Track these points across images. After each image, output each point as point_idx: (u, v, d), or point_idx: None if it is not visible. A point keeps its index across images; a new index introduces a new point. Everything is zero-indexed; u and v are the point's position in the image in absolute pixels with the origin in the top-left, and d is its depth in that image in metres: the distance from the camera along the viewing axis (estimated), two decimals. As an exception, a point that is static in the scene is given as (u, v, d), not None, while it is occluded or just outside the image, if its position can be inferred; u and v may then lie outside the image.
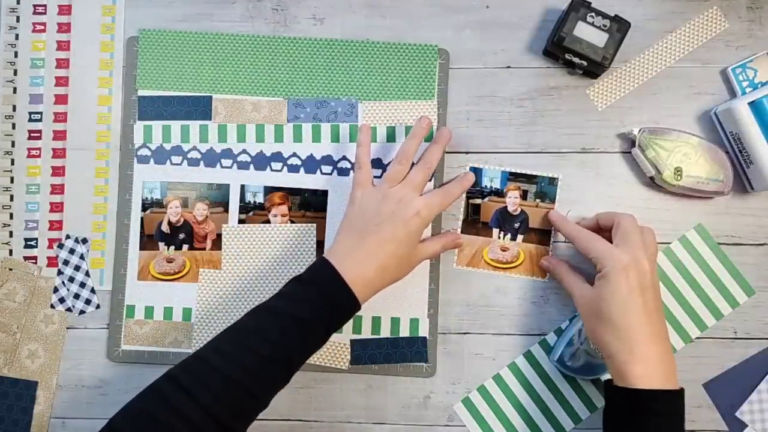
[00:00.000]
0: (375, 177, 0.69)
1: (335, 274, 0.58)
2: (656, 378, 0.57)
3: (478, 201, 0.70)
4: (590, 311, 0.61)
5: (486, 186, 0.69)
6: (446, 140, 0.66)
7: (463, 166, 0.70)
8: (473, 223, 0.70)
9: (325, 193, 0.70)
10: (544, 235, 0.69)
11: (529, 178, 0.70)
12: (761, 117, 0.65)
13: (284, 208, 0.70)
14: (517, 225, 0.69)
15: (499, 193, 0.70)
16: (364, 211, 0.62)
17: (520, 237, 0.70)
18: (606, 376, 0.68)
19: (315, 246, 0.69)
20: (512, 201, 0.69)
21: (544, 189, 0.69)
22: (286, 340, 0.56)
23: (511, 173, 0.70)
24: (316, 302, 0.57)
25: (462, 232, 0.70)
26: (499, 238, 0.70)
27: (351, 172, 0.70)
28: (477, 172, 0.70)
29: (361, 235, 0.60)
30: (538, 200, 0.69)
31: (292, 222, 0.70)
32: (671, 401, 0.57)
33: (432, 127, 0.69)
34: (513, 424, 0.69)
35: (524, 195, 0.70)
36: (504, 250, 0.69)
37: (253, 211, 0.70)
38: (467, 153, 0.70)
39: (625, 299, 0.58)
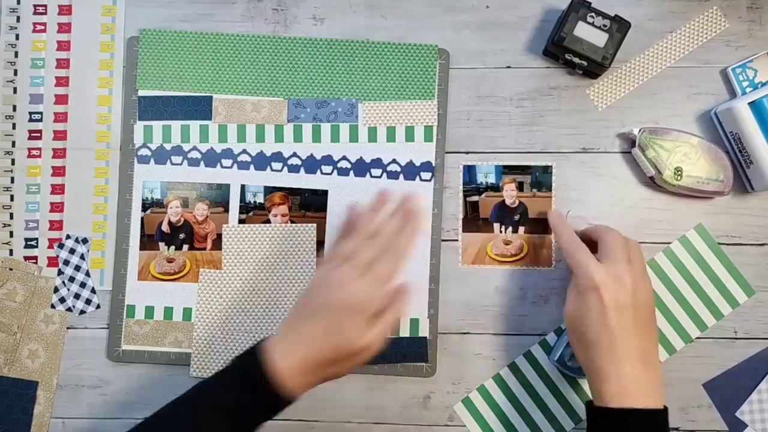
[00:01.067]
0: (374, 177, 0.70)
1: (254, 358, 0.53)
2: (631, 397, 0.55)
3: (475, 198, 0.70)
4: (570, 327, 0.60)
5: (481, 182, 0.70)
6: (414, 227, 0.59)
7: (460, 168, 0.70)
8: (473, 220, 0.70)
9: (325, 193, 0.70)
10: (545, 224, 0.69)
11: (523, 170, 0.70)
12: (761, 117, 0.65)
13: (284, 208, 0.70)
14: (516, 217, 0.70)
15: (496, 188, 0.70)
16: (307, 292, 0.57)
17: (521, 229, 0.70)
18: None
19: (315, 246, 0.69)
20: (509, 194, 0.70)
21: (539, 178, 0.69)
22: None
23: (505, 167, 0.70)
24: (234, 389, 0.53)
25: (462, 230, 0.70)
26: (501, 232, 0.70)
27: (351, 172, 0.70)
28: (471, 169, 0.70)
29: (299, 320, 0.55)
30: (534, 190, 0.70)
31: (293, 222, 0.70)
32: (648, 421, 0.55)
33: (433, 127, 0.69)
34: (513, 424, 0.69)
35: (520, 186, 0.70)
36: (507, 243, 0.70)
37: (253, 211, 0.70)
38: (467, 153, 0.70)
39: (597, 318, 0.56)
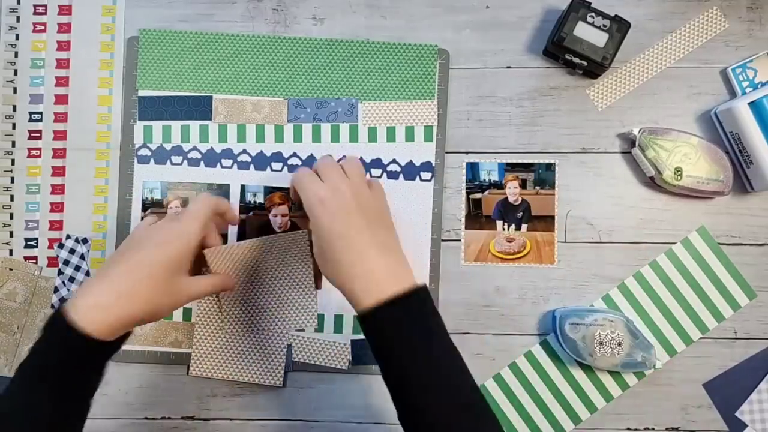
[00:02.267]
0: (374, 177, 0.70)
1: (59, 313, 0.50)
2: (383, 284, 0.53)
3: (478, 195, 0.70)
4: (315, 253, 0.57)
5: (484, 180, 0.70)
6: (230, 217, 0.64)
7: (462, 166, 0.70)
8: (476, 218, 0.70)
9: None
10: (548, 221, 0.69)
11: (527, 167, 0.70)
12: (761, 117, 0.65)
13: (284, 208, 0.70)
14: (519, 215, 0.70)
15: (499, 185, 0.70)
16: (125, 243, 0.57)
17: (524, 226, 0.70)
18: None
19: (309, 249, 0.68)
20: (512, 191, 0.70)
21: (543, 176, 0.69)
22: (37, 404, 0.50)
23: (507, 164, 0.70)
24: (43, 353, 0.50)
25: (465, 227, 0.70)
26: (503, 229, 0.70)
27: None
28: (474, 166, 0.70)
29: (108, 264, 0.55)
30: (537, 187, 0.70)
31: (292, 222, 0.70)
32: (408, 303, 0.53)
33: (433, 127, 0.70)
34: (513, 424, 0.69)
35: (523, 184, 0.70)
36: (510, 241, 0.70)
37: (253, 211, 0.70)
38: (467, 153, 0.70)
39: (329, 228, 0.55)
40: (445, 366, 0.52)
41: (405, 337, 0.52)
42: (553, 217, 0.70)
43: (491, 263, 0.70)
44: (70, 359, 0.50)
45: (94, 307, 0.51)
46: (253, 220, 0.70)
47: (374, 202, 0.59)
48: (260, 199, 0.70)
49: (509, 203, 0.70)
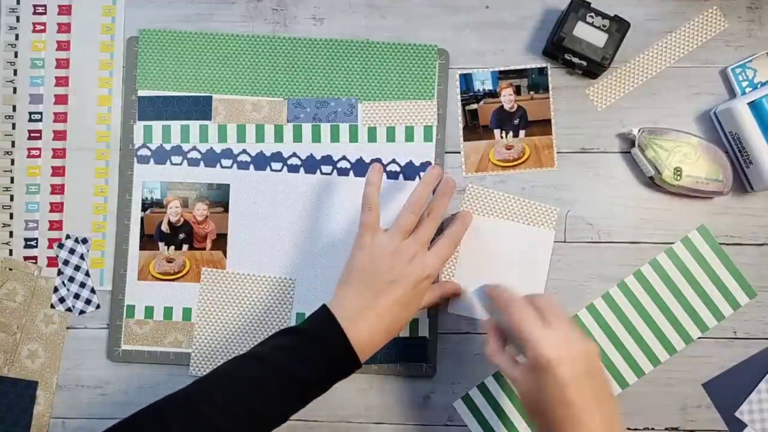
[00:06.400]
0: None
1: (343, 337, 0.56)
2: None
3: (474, 106, 0.70)
4: (526, 405, 0.55)
5: (479, 90, 0.70)
6: (452, 191, 0.66)
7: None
8: (473, 128, 0.70)
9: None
10: (545, 125, 0.69)
11: (519, 73, 0.70)
12: (761, 117, 0.65)
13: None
14: (516, 121, 0.70)
15: (493, 94, 0.70)
16: (376, 262, 0.60)
17: (522, 132, 0.70)
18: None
19: (292, 302, 0.69)
20: (507, 99, 0.70)
21: (536, 80, 0.69)
22: (285, 399, 0.56)
23: (500, 72, 0.70)
24: (320, 364, 0.56)
25: (464, 139, 0.70)
26: (501, 137, 0.70)
27: (351, 172, 0.70)
28: (468, 77, 0.70)
29: (374, 293, 0.59)
30: (532, 92, 0.70)
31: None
32: None
33: (432, 127, 0.69)
34: (513, 421, 0.69)
35: (518, 90, 0.70)
36: (509, 148, 0.70)
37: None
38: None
39: (557, 398, 0.52)
40: None
41: None
42: (549, 121, 0.70)
43: (492, 173, 0.70)
44: (337, 374, 0.57)
45: (367, 343, 0.58)
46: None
47: (599, 365, 0.55)
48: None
49: (505, 111, 0.70)
